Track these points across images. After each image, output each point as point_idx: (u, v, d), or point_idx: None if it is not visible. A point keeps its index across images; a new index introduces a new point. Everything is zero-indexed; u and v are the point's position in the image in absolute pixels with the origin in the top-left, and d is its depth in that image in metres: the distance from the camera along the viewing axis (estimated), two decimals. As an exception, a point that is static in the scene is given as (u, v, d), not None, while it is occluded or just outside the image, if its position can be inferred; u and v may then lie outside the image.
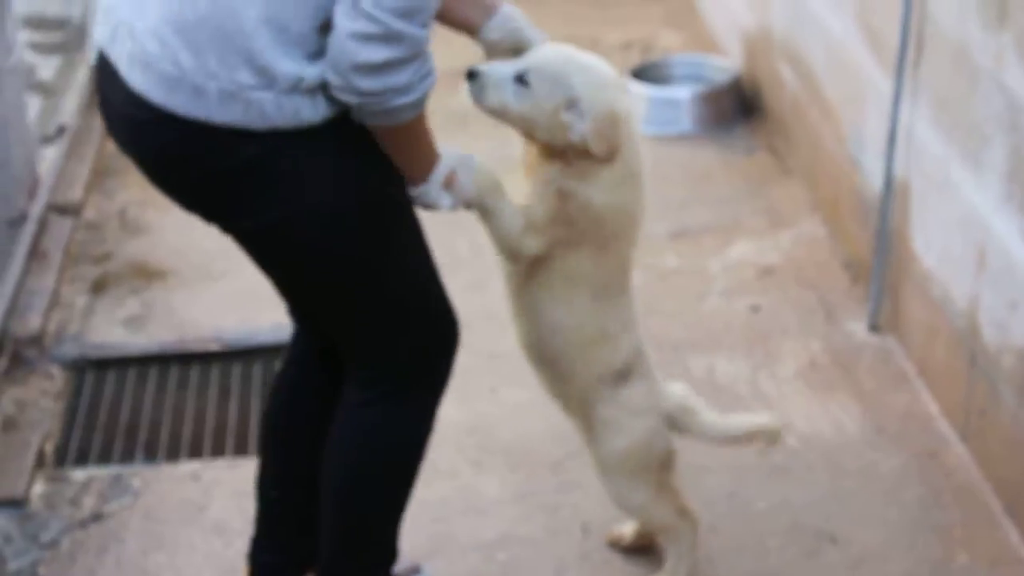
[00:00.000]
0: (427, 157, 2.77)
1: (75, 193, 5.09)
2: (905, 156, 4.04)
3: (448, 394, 3.92)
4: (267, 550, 3.16)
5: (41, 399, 4.12)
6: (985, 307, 3.56)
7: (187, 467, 3.83)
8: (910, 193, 4.03)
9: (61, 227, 4.91)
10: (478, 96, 2.91)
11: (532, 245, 2.93)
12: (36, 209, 4.82)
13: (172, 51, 2.56)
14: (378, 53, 2.52)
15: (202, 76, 2.55)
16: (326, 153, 2.64)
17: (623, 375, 3.10)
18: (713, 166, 5.26)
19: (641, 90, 5.52)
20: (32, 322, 4.39)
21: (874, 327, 4.22)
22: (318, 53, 2.57)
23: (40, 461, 3.85)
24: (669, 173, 5.22)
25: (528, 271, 2.98)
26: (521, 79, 2.88)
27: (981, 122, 3.54)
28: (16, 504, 3.67)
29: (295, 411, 3.08)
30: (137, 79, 2.60)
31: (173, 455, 3.90)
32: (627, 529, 3.42)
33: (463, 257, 4.73)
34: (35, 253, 4.70)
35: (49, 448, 3.91)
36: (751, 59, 5.61)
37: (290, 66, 2.55)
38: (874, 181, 4.26)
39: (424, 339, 2.86)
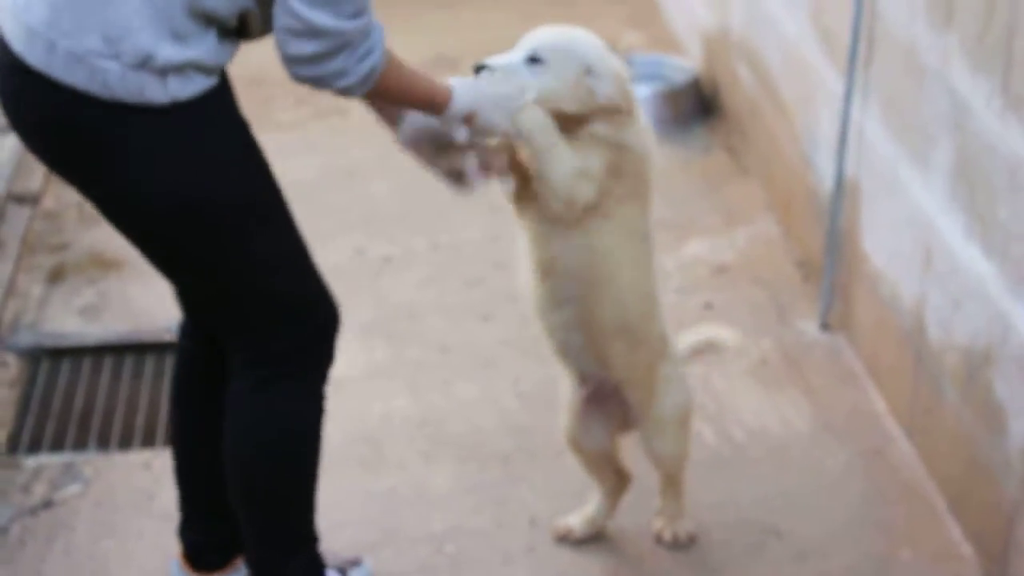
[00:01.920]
0: (430, 100, 2.83)
1: (34, 183, 5.09)
2: (856, 156, 4.08)
3: (400, 386, 3.97)
4: (192, 531, 3.20)
5: (-6, 388, 4.13)
6: (931, 306, 3.60)
7: (139, 456, 3.84)
8: (860, 193, 4.07)
9: (19, 216, 4.92)
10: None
11: (587, 191, 2.97)
12: (-6, 198, 4.83)
13: (36, 4, 2.59)
14: (304, 47, 2.61)
15: (55, 33, 2.57)
16: (172, 136, 2.64)
17: (664, 333, 3.23)
18: (671, 165, 5.29)
19: (601, 88, 5.54)
20: (-13, 310, 4.40)
21: (824, 325, 4.26)
22: (185, 36, 2.59)
23: (-8, 449, 3.87)
24: (627, 171, 5.24)
25: (594, 243, 3.01)
26: (533, 59, 2.93)
27: (928, 122, 3.58)
28: (-34, 491, 3.69)
29: (190, 399, 3.11)
30: (8, 26, 2.64)
31: (126, 444, 3.92)
32: (575, 521, 3.45)
33: (419, 253, 4.75)
34: (-9, 241, 4.71)
35: (1, 436, 3.92)
36: (710, 59, 5.64)
37: (144, 41, 2.57)
38: (826, 180, 4.30)
39: (298, 323, 2.88)
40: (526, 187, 3.04)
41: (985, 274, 3.30)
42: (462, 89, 2.87)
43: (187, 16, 2.59)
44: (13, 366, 4.23)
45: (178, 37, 2.59)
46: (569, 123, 2.98)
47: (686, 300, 4.43)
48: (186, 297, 3.00)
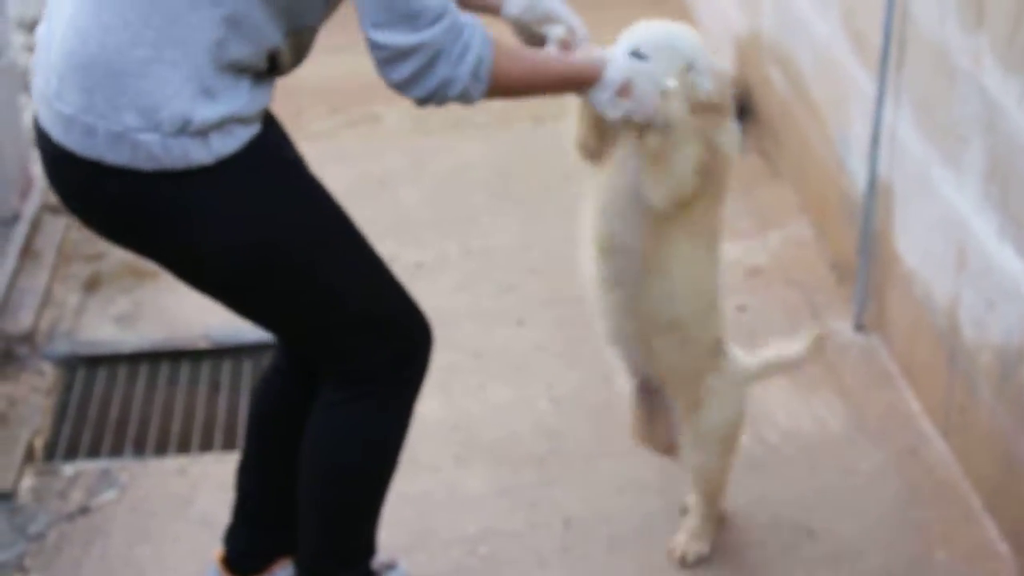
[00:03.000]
0: (576, 78, 2.83)
1: (69, 193, 5.12)
2: (888, 157, 4.07)
3: (433, 391, 3.97)
4: (239, 538, 3.20)
5: (32, 396, 4.15)
6: (965, 306, 3.59)
7: (174, 462, 3.86)
8: (893, 194, 4.06)
9: (54, 226, 4.94)
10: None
11: (692, 187, 3.01)
12: (29, 209, 4.86)
13: (68, 89, 2.60)
14: (402, 71, 2.60)
15: (92, 116, 2.58)
16: (225, 191, 2.65)
17: (721, 343, 3.21)
18: (703, 169, 5.28)
19: (633, 93, 5.55)
20: (24, 320, 4.42)
21: (859, 326, 4.25)
22: (218, 92, 2.59)
23: (29, 456, 3.89)
24: (659, 175, 5.25)
25: (656, 230, 3.02)
26: (636, 55, 2.92)
27: (960, 123, 3.57)
28: (4, 497, 3.71)
29: (276, 406, 3.11)
30: (44, 115, 2.66)
31: (161, 450, 3.94)
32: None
33: (451, 259, 4.77)
34: (28, 252, 4.74)
35: (39, 443, 3.95)
36: (743, 62, 5.64)
37: (179, 107, 2.56)
38: (859, 182, 4.29)
39: (386, 341, 2.88)
40: (603, 154, 3.04)
41: (1019, 273, 3.29)
42: (615, 62, 2.85)
43: (216, 71, 2.58)
44: (50, 374, 4.25)
45: (211, 94, 2.58)
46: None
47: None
48: (278, 338, 3.03)
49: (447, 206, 5.11)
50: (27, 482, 3.79)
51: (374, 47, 2.61)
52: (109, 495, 3.73)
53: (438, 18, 2.61)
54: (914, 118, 3.87)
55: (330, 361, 2.90)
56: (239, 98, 2.62)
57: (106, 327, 4.48)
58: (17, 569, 3.48)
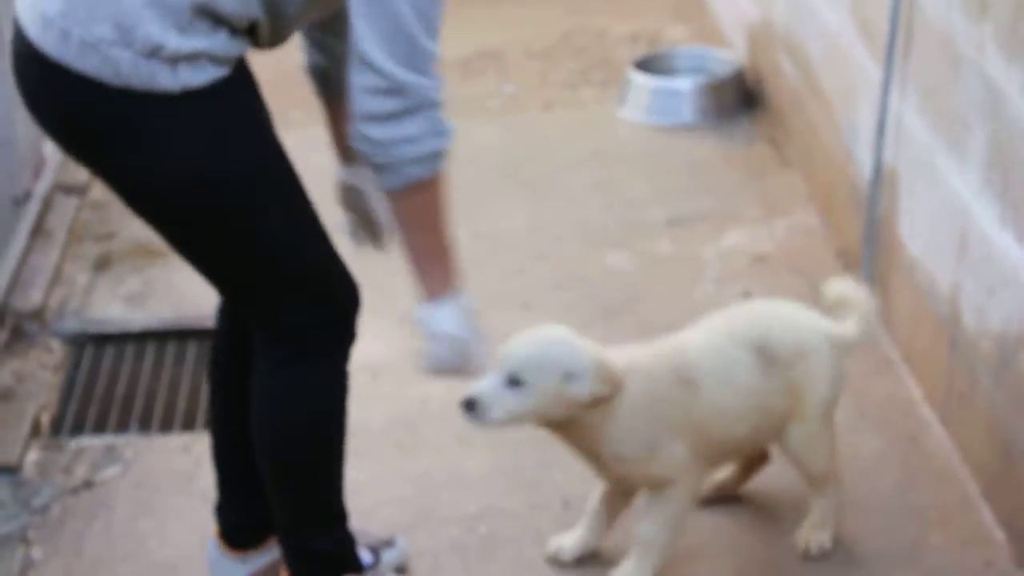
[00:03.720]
0: (448, 259, 2.89)
1: (82, 174, 5.15)
2: (895, 145, 4.08)
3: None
4: (228, 511, 3.25)
5: (40, 372, 4.19)
6: (966, 293, 3.61)
7: (179, 439, 3.90)
8: (898, 182, 4.07)
9: (66, 206, 4.99)
10: (486, 419, 3.02)
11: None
12: (41, 188, 4.89)
13: None
14: (384, 105, 2.62)
15: (70, 22, 2.63)
16: (185, 121, 2.68)
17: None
18: (713, 156, 5.31)
19: (645, 81, 5.58)
20: (33, 297, 4.46)
21: (862, 314, 4.25)
22: (189, 30, 2.63)
23: (35, 430, 3.92)
24: (669, 162, 5.28)
25: None
26: (513, 381, 3.00)
27: (964, 110, 3.58)
28: (9, 471, 3.74)
29: (225, 381, 3.16)
30: (24, 14, 2.71)
31: (166, 427, 3.97)
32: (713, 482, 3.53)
33: (460, 242, 4.78)
34: (39, 231, 4.78)
35: (45, 418, 3.98)
36: (754, 52, 5.65)
37: (154, 32, 2.61)
38: (866, 170, 4.31)
39: (316, 302, 2.92)
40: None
41: (1018, 260, 3.30)
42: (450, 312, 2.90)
43: (193, 15, 2.63)
44: (58, 351, 4.29)
45: (186, 32, 2.64)
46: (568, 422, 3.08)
47: (724, 289, 4.45)
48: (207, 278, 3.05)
49: (456, 190, 5.10)
50: (32, 456, 3.82)
51: (369, 72, 2.62)
52: (113, 470, 3.77)
53: (432, 75, 2.65)
54: (920, 106, 3.88)
55: (260, 317, 2.93)
56: (215, 39, 2.67)
57: (115, 306, 4.51)
58: (21, 541, 3.52)
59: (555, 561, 3.38)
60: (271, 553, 3.27)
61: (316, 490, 3.08)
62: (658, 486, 3.19)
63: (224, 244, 2.83)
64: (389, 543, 3.36)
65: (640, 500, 3.27)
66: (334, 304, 2.96)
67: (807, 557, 3.36)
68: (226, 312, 3.15)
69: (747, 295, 4.41)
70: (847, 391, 3.89)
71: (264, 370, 2.97)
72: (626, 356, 3.16)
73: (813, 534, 3.37)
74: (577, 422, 3.08)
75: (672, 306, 4.36)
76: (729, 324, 3.28)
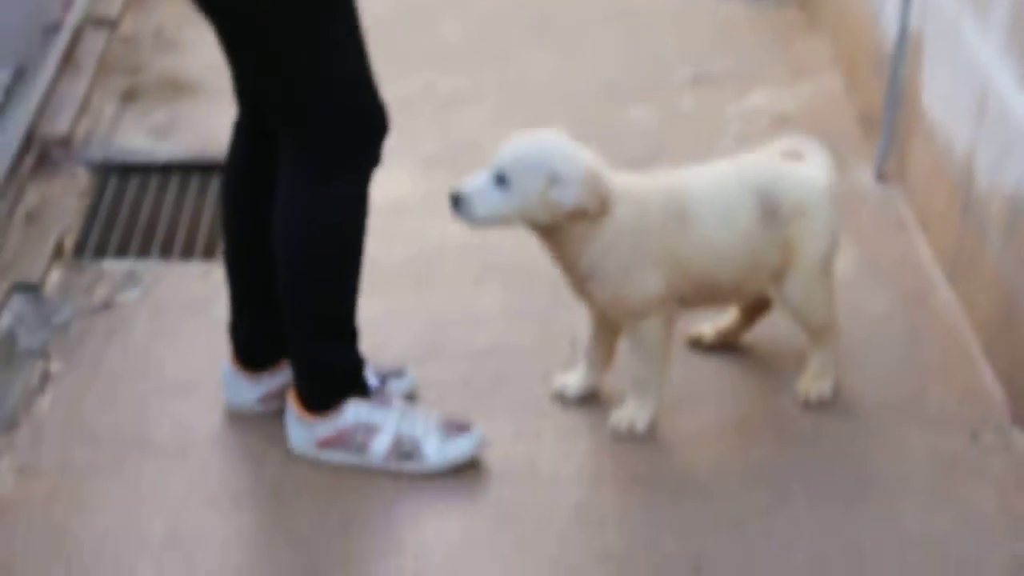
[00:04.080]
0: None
1: (113, 7, 5.19)
2: (920, 10, 4.08)
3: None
4: (244, 332, 3.34)
5: (64, 197, 4.26)
6: (981, 155, 3.63)
7: (198, 267, 3.96)
8: (923, 47, 4.08)
9: (96, 39, 5.02)
10: (470, 215, 3.10)
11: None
12: (72, 19, 4.93)
13: None
14: None
15: None
16: None
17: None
18: (742, 17, 5.31)
19: (678, -60, 5.57)
20: (61, 124, 4.52)
21: (880, 176, 4.29)
22: None
23: (58, 252, 3.99)
24: (698, 22, 5.28)
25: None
26: (500, 179, 3.05)
27: (990, -29, 3.58)
28: (32, 289, 3.82)
29: (239, 203, 3.23)
30: None
31: (187, 255, 4.04)
32: (707, 328, 3.58)
33: (486, 90, 4.81)
34: (68, 61, 4.82)
35: (68, 241, 4.05)
36: (790, -84, 5.62)
37: None
38: (891, 34, 4.30)
39: (350, 121, 3.00)
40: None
41: (1033, 121, 3.33)
42: None
43: None
44: (83, 178, 4.35)
45: None
46: (549, 233, 3.14)
47: (743, 147, 4.44)
48: (245, 82, 3.10)
49: (485, 40, 5.15)
50: (54, 276, 3.90)
51: None
52: (133, 293, 3.84)
53: None
54: (947, -32, 3.88)
55: (293, 124, 3.01)
56: None
57: (141, 137, 4.57)
58: (40, 355, 3.60)
59: (559, 398, 3.45)
60: (283, 375, 3.35)
61: (332, 304, 3.15)
62: (629, 317, 3.25)
63: (277, 40, 2.90)
64: (399, 373, 3.44)
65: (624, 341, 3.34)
66: (366, 126, 3.04)
67: (807, 406, 3.42)
68: (245, 124, 3.20)
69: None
70: (859, 248, 3.96)
71: (291, 181, 3.04)
72: (624, 180, 3.20)
73: (813, 384, 3.43)
74: (562, 232, 3.13)
75: (692, 160, 4.35)
76: (740, 168, 3.32)
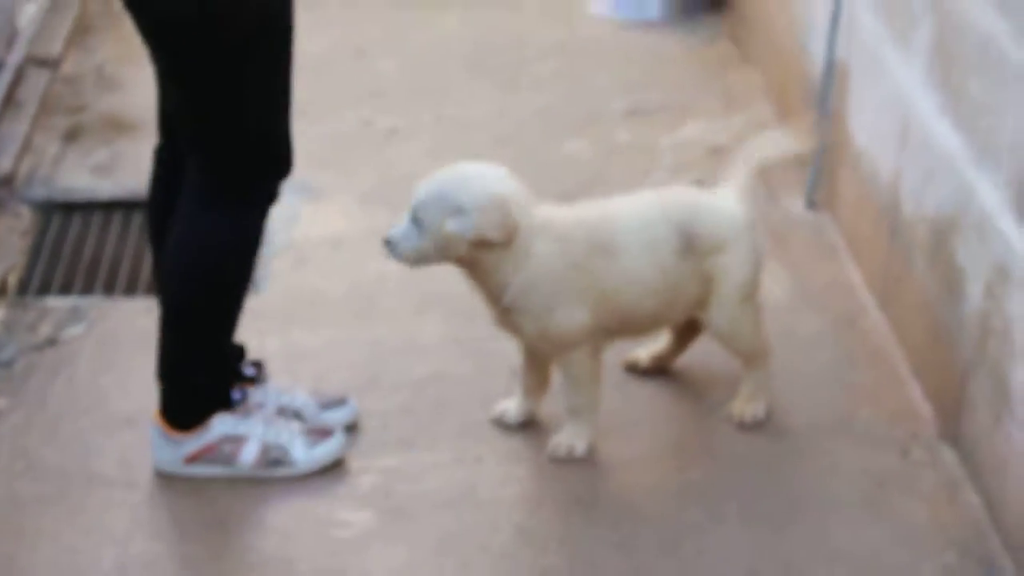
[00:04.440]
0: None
1: (54, 47, 5.24)
2: (847, 39, 4.20)
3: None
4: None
5: (7, 236, 4.30)
6: (906, 180, 3.73)
7: (142, 302, 4.01)
8: (849, 76, 4.19)
9: (38, 79, 5.07)
10: (398, 256, 3.23)
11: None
12: (14, 59, 4.98)
13: None
14: None
15: None
16: None
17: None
18: (676, 52, 5.42)
19: (612, -24, 5.69)
20: (3, 164, 4.56)
21: (810, 203, 4.39)
22: None
23: (2, 290, 4.04)
24: (632, 56, 5.39)
25: None
26: (415, 220, 3.18)
27: (911, 3, 3.69)
28: (-24, 326, 3.87)
29: (157, 218, 3.36)
30: None
31: (130, 291, 4.09)
32: (642, 354, 3.66)
33: (424, 126, 4.90)
34: (10, 101, 4.86)
35: (12, 279, 4.10)
36: (720, -49, 5.74)
37: None
38: (819, 65, 4.42)
39: (260, 155, 3.14)
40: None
41: (954, 148, 3.43)
42: None
43: None
44: (26, 217, 4.40)
45: None
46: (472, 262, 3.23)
47: (677, 177, 4.56)
48: (166, 103, 3.24)
49: (421, 77, 5.24)
50: (-1, 314, 3.94)
51: None
52: (77, 329, 3.89)
53: None
54: (871, 1, 3.99)
55: (204, 152, 3.13)
56: None
57: (83, 176, 4.62)
58: (-14, 392, 3.65)
59: (500, 423, 3.52)
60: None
61: (210, 329, 3.27)
62: (556, 349, 3.32)
63: (208, 72, 3.02)
64: (340, 402, 3.50)
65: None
66: (273, 162, 3.17)
67: (742, 427, 3.50)
68: (162, 167, 3.36)
69: (700, 183, 4.52)
70: (791, 274, 4.06)
71: (188, 206, 3.18)
72: (549, 213, 3.28)
73: (747, 406, 3.52)
74: (481, 265, 3.22)
75: (626, 191, 4.46)
76: (661, 201, 3.40)
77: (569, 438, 3.41)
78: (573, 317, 3.27)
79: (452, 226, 3.15)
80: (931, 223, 3.55)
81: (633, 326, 3.41)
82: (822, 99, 4.31)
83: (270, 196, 3.21)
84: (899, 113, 3.77)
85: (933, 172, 3.55)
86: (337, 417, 3.47)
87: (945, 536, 3.20)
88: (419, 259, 3.23)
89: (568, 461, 3.40)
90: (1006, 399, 3.13)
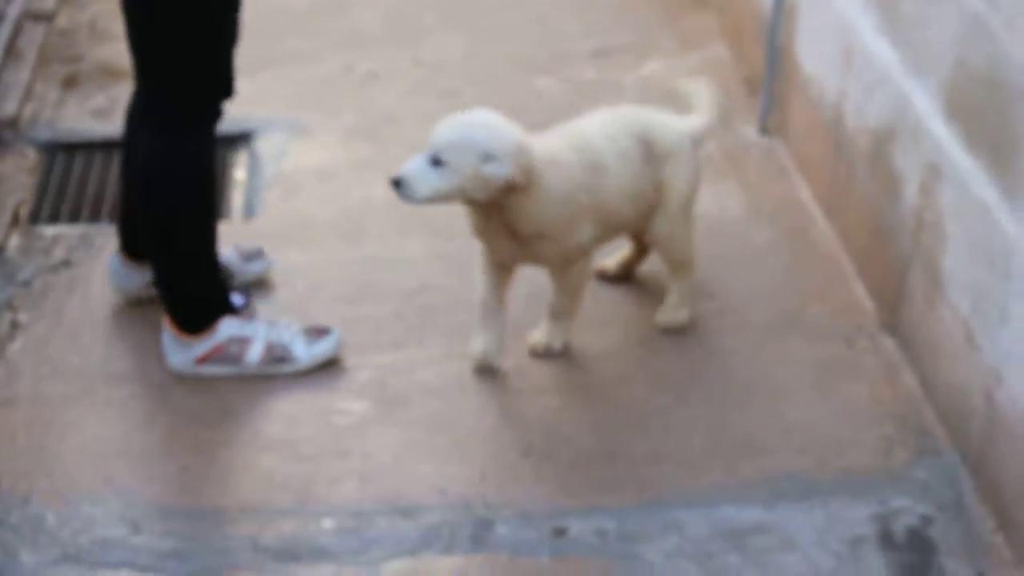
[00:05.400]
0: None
1: (48, 2, 5.54)
2: (794, -24, 4.54)
3: (380, 177, 4.39)
4: (127, 220, 3.89)
5: (16, 173, 4.60)
6: (849, 99, 4.08)
7: (146, 229, 4.32)
8: (797, 12, 4.53)
9: (35, 32, 5.36)
10: (411, 196, 3.42)
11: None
12: (12, 13, 5.27)
13: None
14: None
15: None
16: None
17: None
18: (636, -1, 5.76)
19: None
20: (8, 108, 4.86)
21: (763, 130, 4.73)
22: None
23: (15, 221, 4.34)
24: (597, 3, 5.71)
25: None
26: (436, 161, 3.39)
27: (850, -65, 4.04)
28: (-6, 251, 4.18)
29: (129, 148, 3.75)
30: None
31: (134, 220, 4.40)
32: (610, 262, 4.00)
33: (402, 69, 5.20)
34: (11, 51, 5.16)
35: (24, 211, 4.40)
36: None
37: None
38: (769, 4, 4.75)
39: (207, 81, 3.50)
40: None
41: (891, 62, 3.77)
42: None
43: None
44: (32, 157, 4.70)
45: None
46: (484, 208, 3.48)
47: (641, 110, 4.89)
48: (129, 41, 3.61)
49: (400, 26, 5.55)
50: (14, 241, 4.24)
51: None
52: (88, 253, 4.20)
53: None
54: (815, -63, 4.33)
55: (156, 81, 3.52)
56: None
57: (84, 119, 4.92)
58: (8, 308, 3.95)
59: (484, 366, 3.71)
60: None
61: (186, 240, 3.63)
62: (566, 262, 3.64)
63: (168, 7, 3.38)
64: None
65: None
66: (210, 92, 3.54)
67: (666, 332, 3.84)
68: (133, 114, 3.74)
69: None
70: (746, 193, 4.40)
71: (146, 134, 3.56)
72: (548, 148, 3.58)
73: (673, 314, 3.86)
74: (508, 204, 3.48)
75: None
76: (617, 119, 3.73)
77: (547, 336, 3.74)
78: (585, 232, 3.59)
79: (489, 170, 3.38)
80: (872, 134, 3.90)
81: (613, 231, 3.73)
82: (772, 33, 4.64)
83: (217, 114, 3.57)
84: (842, 39, 4.11)
85: (873, 88, 3.89)
86: (255, 268, 3.99)
87: (885, 411, 3.56)
88: (434, 198, 3.43)
89: (546, 355, 3.73)
90: (938, 286, 3.48)
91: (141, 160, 3.59)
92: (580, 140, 3.67)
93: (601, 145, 3.66)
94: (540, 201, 3.50)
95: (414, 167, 3.42)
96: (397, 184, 3.42)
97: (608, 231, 3.71)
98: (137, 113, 3.67)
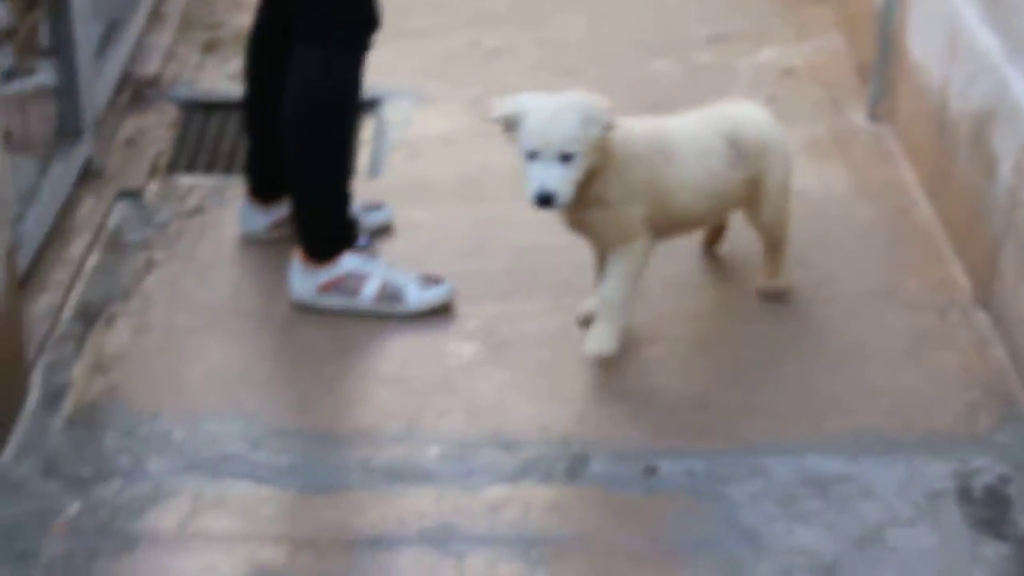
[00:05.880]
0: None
1: (192, -30, 5.82)
2: (909, -32, 4.69)
3: (499, 144, 4.57)
4: (257, 170, 4.18)
5: (156, 127, 4.87)
6: (953, 86, 4.22)
7: (276, 182, 4.56)
8: (909, 2, 4.67)
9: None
10: (563, 202, 3.53)
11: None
12: (159, -21, 5.56)
13: None
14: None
15: None
16: None
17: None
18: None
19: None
20: (150, 68, 5.14)
21: (873, 116, 4.88)
22: None
23: (154, 169, 4.61)
24: (715, -11, 5.90)
25: None
26: (565, 158, 3.51)
27: (963, -74, 4.18)
28: (135, 195, 4.44)
29: (260, 65, 4.05)
30: None
31: (265, 175, 4.64)
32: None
33: (525, 46, 5.41)
34: (156, 15, 5.45)
35: (162, 161, 4.66)
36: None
37: None
38: (884, -6, 4.90)
39: (358, 13, 3.79)
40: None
41: (994, 48, 3.92)
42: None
43: None
44: (172, 113, 4.96)
45: None
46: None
47: (753, 94, 5.04)
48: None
49: (526, 7, 5.77)
50: (153, 188, 4.51)
51: None
52: (220, 200, 4.44)
53: None
54: (930, -71, 4.48)
55: (312, 11, 3.76)
56: None
57: (222, 81, 5.18)
58: (144, 247, 4.21)
59: (587, 323, 3.87)
60: (286, 206, 4.09)
61: (330, 165, 3.88)
62: (619, 240, 3.72)
63: None
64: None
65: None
66: (365, 18, 3.82)
67: (768, 298, 4.00)
68: (266, 14, 4.02)
69: (773, 99, 5.03)
70: (853, 176, 4.56)
71: (302, 58, 3.80)
72: (627, 124, 3.68)
73: (773, 280, 4.02)
74: (591, 168, 3.60)
75: (706, 105, 4.97)
76: (706, 117, 3.90)
77: (597, 341, 3.72)
78: (635, 209, 3.71)
79: (594, 131, 3.50)
80: (973, 118, 4.04)
81: (681, 227, 3.87)
82: (885, 23, 4.79)
83: (368, 42, 3.84)
84: (948, 26, 4.25)
85: (975, 74, 4.03)
86: (375, 218, 4.23)
87: (973, 379, 3.70)
88: (573, 193, 3.54)
89: (601, 359, 3.76)
90: (1030, 260, 3.62)
91: (300, 76, 3.81)
92: (657, 126, 3.81)
93: (678, 137, 3.79)
94: (606, 166, 3.61)
95: (552, 177, 3.50)
96: (547, 201, 3.51)
97: (670, 225, 3.80)
98: (270, 37, 3.97)
